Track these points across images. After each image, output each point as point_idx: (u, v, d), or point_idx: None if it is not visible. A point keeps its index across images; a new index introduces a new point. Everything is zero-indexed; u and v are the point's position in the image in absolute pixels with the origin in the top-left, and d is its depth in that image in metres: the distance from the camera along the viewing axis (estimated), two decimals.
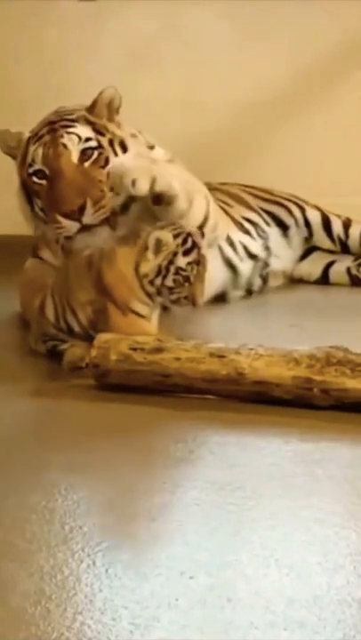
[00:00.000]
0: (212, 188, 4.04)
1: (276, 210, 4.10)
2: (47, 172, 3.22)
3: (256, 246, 3.92)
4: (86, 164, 3.22)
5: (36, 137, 3.30)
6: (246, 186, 4.17)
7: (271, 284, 3.97)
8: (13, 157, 3.36)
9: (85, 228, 3.16)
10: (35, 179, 3.25)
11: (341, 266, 4.10)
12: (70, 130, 3.25)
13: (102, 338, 2.71)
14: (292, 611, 1.65)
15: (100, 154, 3.24)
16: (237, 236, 3.85)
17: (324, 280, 4.10)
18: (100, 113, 3.31)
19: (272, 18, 4.80)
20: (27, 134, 3.32)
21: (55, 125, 3.28)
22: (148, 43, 4.79)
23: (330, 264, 4.11)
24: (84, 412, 2.61)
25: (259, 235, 3.98)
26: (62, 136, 3.23)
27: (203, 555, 1.83)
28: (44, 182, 3.23)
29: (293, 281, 4.08)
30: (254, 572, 1.77)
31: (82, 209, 3.14)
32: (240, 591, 1.71)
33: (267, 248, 3.97)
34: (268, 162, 4.84)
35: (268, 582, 1.74)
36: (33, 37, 4.82)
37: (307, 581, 1.74)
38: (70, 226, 3.16)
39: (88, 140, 3.24)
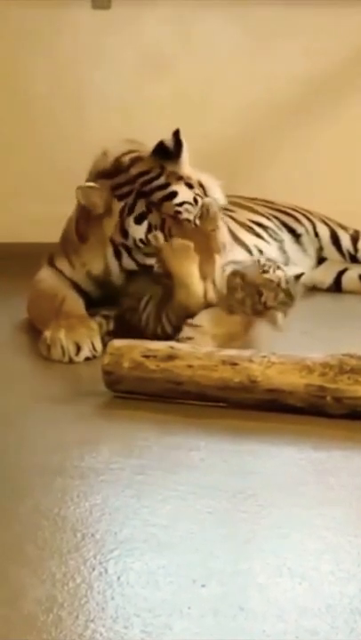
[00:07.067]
0: None
1: (285, 218, 4.10)
2: None
3: (272, 250, 3.90)
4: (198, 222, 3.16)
5: (132, 210, 3.17)
6: (245, 197, 4.16)
7: None
8: (92, 210, 3.24)
9: None
10: (150, 262, 3.16)
11: (354, 273, 4.10)
12: (177, 200, 3.15)
13: (115, 345, 2.71)
14: (304, 620, 1.64)
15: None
16: (250, 240, 3.84)
17: (336, 287, 4.10)
18: (176, 160, 3.22)
19: (283, 25, 4.80)
20: (118, 203, 3.18)
21: (152, 197, 3.17)
22: (160, 50, 4.81)
23: (342, 271, 4.11)
24: (96, 418, 2.61)
25: (273, 237, 3.97)
26: (180, 212, 3.14)
27: (215, 563, 1.83)
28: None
29: (306, 288, 4.07)
30: (266, 580, 1.77)
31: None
32: (252, 600, 1.70)
33: (283, 252, 3.96)
34: (277, 168, 4.85)
35: (281, 591, 1.73)
36: (47, 45, 4.83)
37: (319, 590, 1.74)
38: None
39: (195, 200, 3.17)
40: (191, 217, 3.17)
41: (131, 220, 3.19)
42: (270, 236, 3.97)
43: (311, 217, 4.15)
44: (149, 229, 3.17)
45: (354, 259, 4.13)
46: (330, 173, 4.84)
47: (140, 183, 3.22)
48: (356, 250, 4.14)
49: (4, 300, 3.79)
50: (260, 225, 3.99)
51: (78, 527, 1.96)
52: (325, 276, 4.11)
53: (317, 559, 1.84)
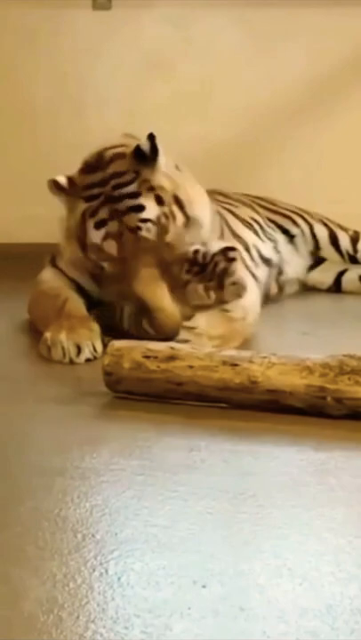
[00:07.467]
0: (214, 192, 4.05)
1: (281, 220, 4.11)
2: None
3: (267, 249, 3.92)
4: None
5: (95, 213, 3.16)
6: (250, 196, 4.17)
7: (287, 290, 3.98)
8: (63, 202, 3.27)
9: None
10: (104, 264, 3.16)
11: (354, 274, 4.11)
12: (142, 216, 3.10)
13: (115, 345, 2.71)
14: (305, 620, 1.64)
15: (163, 226, 3.14)
16: (251, 239, 3.85)
17: (336, 288, 4.11)
18: (152, 166, 3.16)
19: (285, 26, 4.80)
20: (83, 204, 3.18)
21: (118, 206, 3.13)
22: (161, 51, 4.81)
23: (342, 272, 4.12)
24: (97, 419, 2.61)
25: (267, 237, 3.98)
26: (140, 228, 3.10)
27: (215, 563, 1.83)
28: (116, 267, 3.14)
29: (306, 289, 4.09)
30: (267, 581, 1.77)
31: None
32: (253, 600, 1.70)
33: (277, 252, 3.97)
34: (278, 168, 4.85)
35: (281, 592, 1.73)
36: (47, 46, 4.83)
37: (320, 591, 1.74)
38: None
39: (159, 219, 3.12)
40: (150, 236, 3.11)
41: (91, 223, 3.18)
42: (265, 235, 3.98)
43: (309, 218, 4.16)
44: (105, 237, 3.15)
45: (353, 259, 4.14)
46: (331, 174, 4.84)
47: (111, 186, 3.19)
48: (355, 250, 4.14)
49: (4, 300, 3.80)
50: (257, 223, 4.00)
51: (79, 528, 1.96)
52: (325, 276, 4.12)
53: (318, 560, 1.84)
